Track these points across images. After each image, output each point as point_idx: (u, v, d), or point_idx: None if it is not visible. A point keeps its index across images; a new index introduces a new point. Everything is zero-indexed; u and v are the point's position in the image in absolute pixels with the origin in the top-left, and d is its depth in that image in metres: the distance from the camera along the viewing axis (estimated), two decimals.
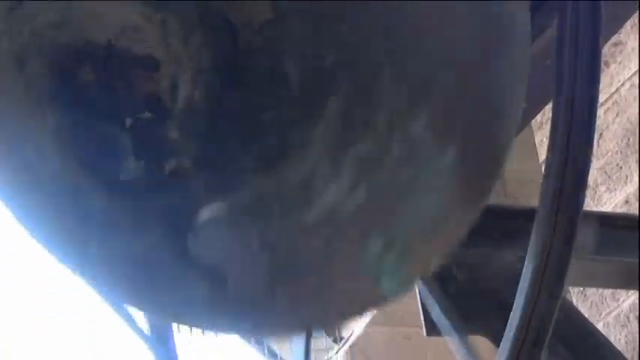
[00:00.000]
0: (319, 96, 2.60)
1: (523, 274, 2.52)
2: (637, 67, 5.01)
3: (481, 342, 3.83)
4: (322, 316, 2.79)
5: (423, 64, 2.48)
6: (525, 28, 2.42)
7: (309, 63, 2.67)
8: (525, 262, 2.53)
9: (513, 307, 2.59)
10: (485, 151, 2.44)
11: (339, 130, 2.53)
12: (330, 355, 6.91)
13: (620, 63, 5.05)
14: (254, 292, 2.38)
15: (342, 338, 6.95)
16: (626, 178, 4.98)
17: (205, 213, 2.33)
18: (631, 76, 5.03)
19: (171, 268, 2.38)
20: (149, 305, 2.55)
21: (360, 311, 2.92)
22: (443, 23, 2.44)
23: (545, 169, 2.55)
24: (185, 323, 2.73)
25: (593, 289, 4.84)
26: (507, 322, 2.74)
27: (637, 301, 4.76)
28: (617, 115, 5.04)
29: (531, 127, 4.61)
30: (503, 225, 3.16)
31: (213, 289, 2.34)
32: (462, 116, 2.43)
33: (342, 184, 2.47)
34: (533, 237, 2.56)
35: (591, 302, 4.85)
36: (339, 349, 6.95)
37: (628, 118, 5.01)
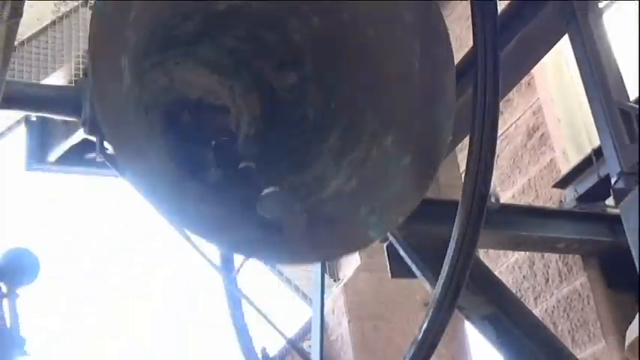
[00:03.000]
0: (328, 128, 2.68)
1: (451, 240, 2.52)
2: (519, 115, 5.01)
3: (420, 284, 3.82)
4: (334, 253, 2.88)
5: (391, 110, 2.58)
6: (453, 93, 2.55)
7: (321, 108, 2.73)
8: (452, 234, 2.53)
9: (445, 260, 2.59)
10: (427, 159, 2.56)
11: (340, 146, 2.64)
12: (331, 289, 6.87)
13: (509, 112, 5.04)
14: (295, 238, 2.42)
15: (339, 278, 6.94)
16: (513, 183, 4.97)
17: (266, 192, 2.35)
18: (516, 121, 5.01)
19: (244, 224, 2.41)
20: (229, 246, 2.57)
21: (357, 249, 3.02)
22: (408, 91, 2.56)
23: (465, 177, 2.56)
24: (248, 256, 2.68)
25: (492, 250, 4.82)
26: (440, 270, 2.74)
27: (521, 259, 4.75)
28: (507, 144, 5.02)
29: (455, 151, 4.59)
30: (438, 210, 3.14)
31: (268, 234, 2.38)
32: (415, 139, 2.55)
33: (341, 177, 2.59)
34: (457, 218, 2.57)
35: (491, 258, 4.82)
36: (337, 285, 6.93)
37: (514, 147, 5.00)
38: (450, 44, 2.56)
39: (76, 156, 5.02)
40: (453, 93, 2.57)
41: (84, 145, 3.27)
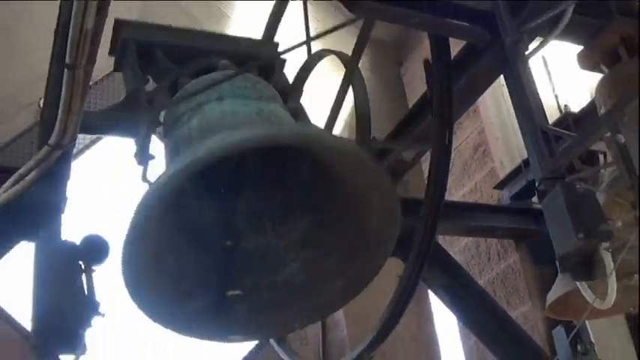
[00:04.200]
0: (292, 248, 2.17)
1: (417, 228, 2.55)
2: (468, 135, 5.04)
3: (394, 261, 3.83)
4: (270, 335, 2.75)
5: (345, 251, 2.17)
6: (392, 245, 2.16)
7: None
8: (418, 223, 2.56)
9: (412, 244, 2.59)
10: (355, 286, 2.19)
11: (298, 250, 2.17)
12: None
13: (461, 132, 5.06)
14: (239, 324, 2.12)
15: None
16: (463, 185, 5.00)
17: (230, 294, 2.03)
18: (465, 139, 5.04)
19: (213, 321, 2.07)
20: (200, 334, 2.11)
21: (285, 334, 2.89)
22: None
23: (427, 180, 2.60)
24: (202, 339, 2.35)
25: (449, 236, 4.82)
26: (409, 251, 2.75)
27: (469, 243, 4.77)
28: (459, 156, 5.04)
29: (420, 161, 4.61)
30: (407, 206, 3.12)
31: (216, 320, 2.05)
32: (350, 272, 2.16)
33: (296, 269, 2.15)
34: (421, 212, 2.61)
35: (447, 242, 4.83)
36: None
37: (464, 158, 5.02)
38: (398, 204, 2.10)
39: None
40: (392, 246, 2.16)
41: None
